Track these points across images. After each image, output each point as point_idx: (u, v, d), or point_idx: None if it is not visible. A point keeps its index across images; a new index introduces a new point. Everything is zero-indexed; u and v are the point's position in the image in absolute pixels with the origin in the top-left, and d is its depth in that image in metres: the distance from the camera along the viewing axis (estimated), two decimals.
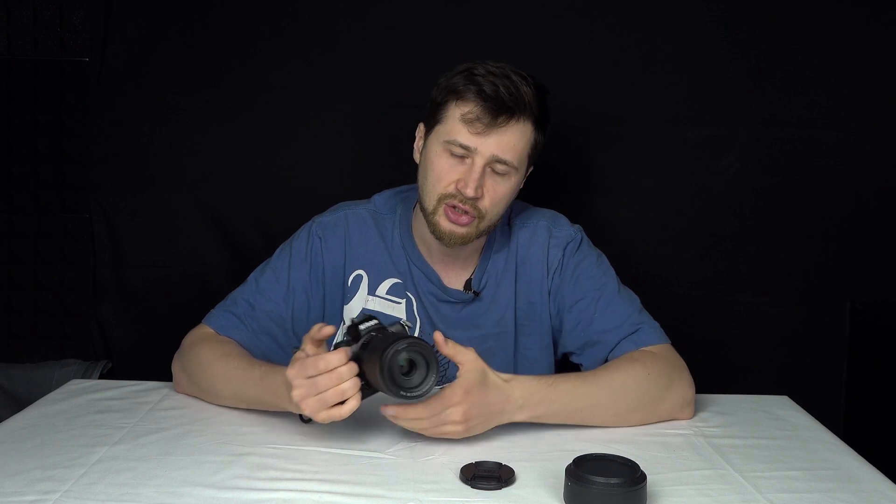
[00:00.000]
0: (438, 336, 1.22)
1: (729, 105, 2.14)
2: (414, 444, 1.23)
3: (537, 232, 1.54)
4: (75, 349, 2.21)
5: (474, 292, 1.52)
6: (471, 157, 1.37)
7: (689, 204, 2.16)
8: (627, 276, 1.56)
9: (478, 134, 1.35)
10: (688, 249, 2.17)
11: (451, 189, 1.38)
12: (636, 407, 1.33)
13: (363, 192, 1.63)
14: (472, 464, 1.13)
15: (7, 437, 1.24)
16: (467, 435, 1.21)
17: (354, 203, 1.58)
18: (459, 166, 1.38)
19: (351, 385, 1.14)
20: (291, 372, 1.15)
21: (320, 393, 1.13)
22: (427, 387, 1.13)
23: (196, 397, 1.42)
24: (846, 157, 2.14)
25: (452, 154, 1.38)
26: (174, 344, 1.49)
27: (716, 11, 2.11)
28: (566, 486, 1.02)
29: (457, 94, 1.37)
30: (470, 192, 1.36)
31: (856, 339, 2.17)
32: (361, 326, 1.18)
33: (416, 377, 1.13)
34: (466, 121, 1.36)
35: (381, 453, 1.20)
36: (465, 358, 1.21)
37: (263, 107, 2.14)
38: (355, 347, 1.17)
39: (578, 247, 1.53)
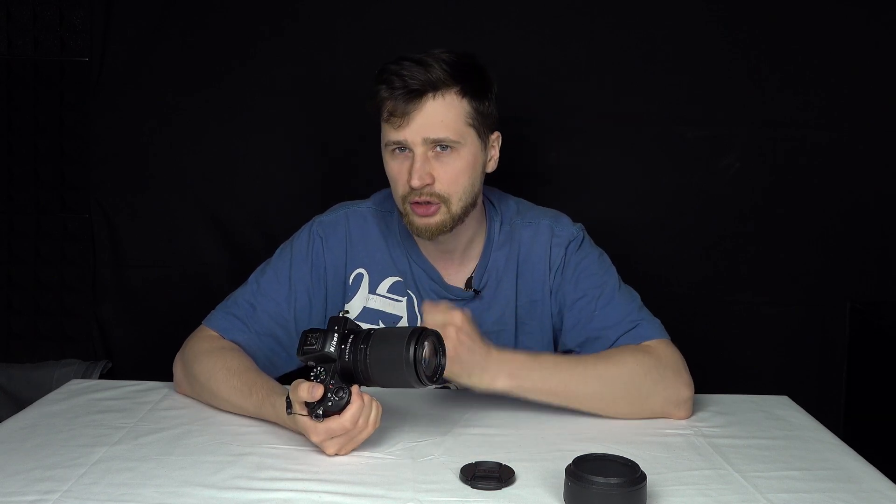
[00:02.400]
0: (427, 304, 1.30)
1: (729, 105, 2.14)
2: (414, 444, 1.23)
3: (540, 230, 1.54)
4: (75, 349, 2.21)
5: (475, 290, 1.52)
6: (409, 149, 1.40)
7: (689, 204, 2.16)
8: (627, 276, 1.56)
9: (400, 127, 1.38)
10: (688, 249, 2.17)
11: (407, 188, 1.41)
12: (623, 396, 1.34)
13: (363, 191, 1.63)
14: (472, 464, 1.13)
15: (7, 437, 1.24)
16: (450, 365, 1.22)
17: (354, 202, 1.59)
18: (406, 163, 1.41)
19: (376, 414, 1.18)
20: (317, 438, 1.17)
21: (355, 438, 1.18)
22: (443, 363, 1.18)
23: (197, 399, 1.42)
24: (846, 157, 2.14)
25: (396, 155, 1.42)
26: (174, 344, 1.49)
27: (716, 11, 2.11)
28: (566, 486, 1.02)
29: (374, 99, 1.41)
30: (415, 181, 1.38)
31: (856, 339, 2.17)
32: (330, 349, 1.17)
33: (433, 360, 1.17)
34: (387, 120, 1.40)
35: (381, 453, 1.20)
36: (458, 316, 1.28)
37: (263, 107, 2.14)
38: (338, 367, 1.17)
39: (580, 245, 1.54)
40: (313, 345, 1.18)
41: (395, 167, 1.43)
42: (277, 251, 1.56)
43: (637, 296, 1.51)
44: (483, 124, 1.44)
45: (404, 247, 1.53)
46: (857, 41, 2.11)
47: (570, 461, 1.04)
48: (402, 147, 1.40)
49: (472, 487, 1.08)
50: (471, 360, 1.27)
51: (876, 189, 2.16)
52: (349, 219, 1.55)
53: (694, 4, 2.12)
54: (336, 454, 1.18)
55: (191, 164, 2.15)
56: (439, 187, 1.40)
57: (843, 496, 1.09)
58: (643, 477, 1.01)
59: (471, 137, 1.42)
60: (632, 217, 2.15)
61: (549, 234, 1.54)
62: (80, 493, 1.05)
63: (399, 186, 1.43)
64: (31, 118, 2.18)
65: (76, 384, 1.52)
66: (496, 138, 1.50)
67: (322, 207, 1.61)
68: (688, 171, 2.16)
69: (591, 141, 2.15)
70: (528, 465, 1.15)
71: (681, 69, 2.12)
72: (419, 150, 1.39)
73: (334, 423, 1.15)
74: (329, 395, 1.16)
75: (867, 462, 1.22)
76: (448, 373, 1.24)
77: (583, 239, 1.55)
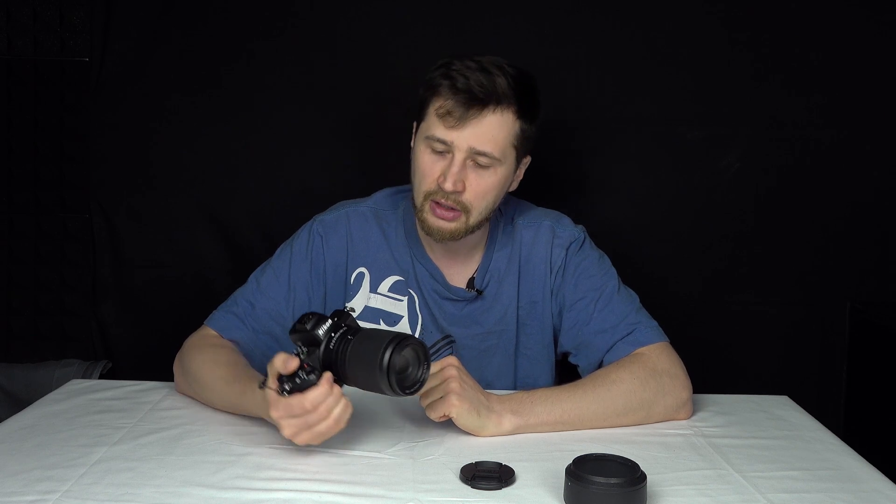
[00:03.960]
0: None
1: (729, 105, 2.14)
2: (414, 444, 1.23)
3: (541, 231, 1.54)
4: (75, 349, 2.21)
5: (477, 291, 1.52)
6: (450, 151, 1.38)
7: (689, 204, 2.16)
8: (627, 275, 1.56)
9: (452, 127, 1.37)
10: (688, 249, 2.17)
11: (434, 186, 1.40)
12: (625, 412, 1.33)
13: (363, 191, 1.63)
14: (472, 464, 1.13)
15: (7, 437, 1.24)
16: (459, 403, 1.22)
17: (355, 201, 1.59)
18: (441, 162, 1.40)
19: (341, 410, 1.15)
20: (276, 413, 1.15)
21: (312, 427, 1.14)
22: (424, 377, 1.16)
23: (195, 399, 1.42)
24: (846, 157, 2.14)
25: (434, 150, 1.40)
26: (174, 344, 1.49)
27: (716, 11, 2.11)
28: (566, 486, 1.02)
29: (432, 90, 1.39)
30: (449, 185, 1.37)
31: (856, 339, 2.17)
32: (319, 332, 1.16)
33: (414, 371, 1.14)
34: (440, 115, 1.37)
35: (381, 453, 1.20)
36: (450, 356, 1.29)
37: (263, 107, 2.14)
38: (320, 353, 1.16)
39: (581, 247, 1.54)
40: (305, 324, 1.16)
41: (428, 161, 1.41)
42: (278, 250, 1.56)
43: (636, 298, 1.51)
44: (523, 147, 1.44)
45: (408, 245, 1.53)
46: (857, 41, 2.11)
47: (570, 461, 1.04)
48: (443, 144, 1.39)
49: (472, 487, 1.08)
50: (476, 397, 1.26)
51: (876, 189, 2.16)
52: (350, 218, 1.55)
53: (694, 4, 2.12)
54: (293, 440, 1.15)
55: (191, 164, 2.15)
56: (466, 197, 1.40)
57: (843, 496, 1.09)
58: (643, 477, 1.01)
59: (510, 158, 1.42)
60: (632, 217, 2.15)
61: (551, 235, 1.54)
62: (80, 493, 1.05)
63: (426, 182, 1.41)
64: (31, 118, 2.18)
65: (76, 384, 1.52)
66: (526, 161, 1.50)
67: (322, 207, 1.61)
68: (688, 171, 2.16)
69: (591, 141, 2.15)
70: (528, 465, 1.15)
71: (681, 69, 2.12)
72: (460, 156, 1.38)
73: (294, 399, 1.13)
74: (299, 373, 1.14)
75: (867, 462, 1.22)
76: (457, 413, 1.23)
77: (584, 240, 1.55)
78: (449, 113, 1.36)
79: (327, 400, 1.13)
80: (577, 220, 1.58)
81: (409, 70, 2.08)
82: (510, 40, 2.10)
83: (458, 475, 1.11)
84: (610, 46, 2.13)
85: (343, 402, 1.15)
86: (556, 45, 2.12)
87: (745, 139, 2.14)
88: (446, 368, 1.25)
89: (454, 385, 1.24)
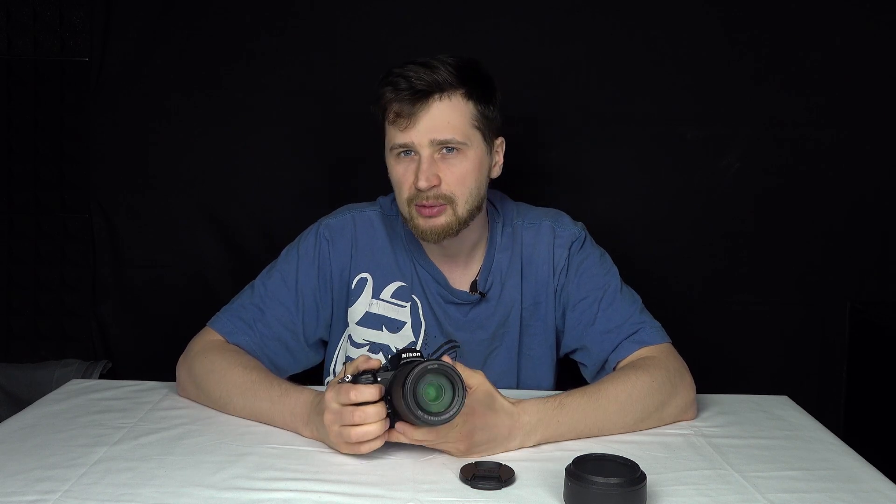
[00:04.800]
0: (447, 360, 1.16)
1: (729, 105, 2.13)
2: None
3: (541, 232, 1.54)
4: (75, 349, 2.21)
5: (481, 293, 1.52)
6: (414, 151, 1.40)
7: (689, 204, 2.16)
8: (628, 276, 1.57)
9: (406, 128, 1.38)
10: (687, 249, 2.17)
11: (412, 190, 1.41)
12: (643, 417, 1.32)
13: (363, 191, 1.62)
14: (471, 464, 1.13)
15: (7, 437, 1.24)
16: (469, 455, 1.17)
17: (360, 205, 1.59)
18: (411, 165, 1.41)
19: (374, 429, 1.13)
20: (329, 395, 1.16)
21: (344, 426, 1.14)
22: (455, 409, 1.09)
23: (200, 404, 1.40)
24: (846, 157, 2.14)
25: (401, 158, 1.42)
26: (174, 344, 1.49)
27: (716, 11, 2.11)
28: (566, 486, 1.02)
29: (380, 103, 1.41)
30: (422, 182, 1.38)
31: (856, 339, 2.17)
32: (403, 356, 1.13)
33: (444, 400, 1.10)
34: (392, 122, 1.40)
35: (381, 453, 1.19)
36: (474, 381, 1.18)
37: (263, 107, 2.13)
38: (389, 377, 1.15)
39: (582, 245, 1.54)
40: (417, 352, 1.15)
41: (400, 170, 1.42)
42: (283, 253, 1.55)
43: (638, 298, 1.52)
44: (488, 128, 1.44)
45: (409, 251, 1.53)
46: (857, 41, 2.11)
47: (570, 461, 1.04)
48: (408, 150, 1.40)
49: (472, 487, 1.08)
50: (490, 435, 1.19)
51: (876, 189, 2.16)
52: (356, 222, 1.55)
53: (694, 4, 2.11)
54: (328, 431, 1.16)
55: (191, 164, 2.15)
56: (445, 189, 1.40)
57: (843, 496, 1.10)
58: (643, 477, 1.01)
59: (476, 140, 1.42)
60: (632, 217, 2.15)
61: (552, 236, 1.54)
62: (80, 493, 1.05)
63: (404, 190, 1.42)
64: (31, 118, 2.17)
65: (76, 384, 1.52)
66: (500, 143, 1.50)
67: (322, 208, 1.61)
68: (688, 171, 2.16)
69: (591, 141, 2.15)
70: (528, 465, 1.15)
71: (681, 69, 2.12)
72: (426, 152, 1.39)
73: (346, 385, 1.13)
74: (368, 374, 1.15)
75: (867, 462, 1.22)
76: (479, 455, 1.18)
77: (584, 238, 1.55)
78: (398, 115, 1.38)
79: (368, 407, 1.12)
80: (577, 220, 1.59)
81: None
82: (510, 40, 2.10)
83: (458, 475, 1.11)
84: (610, 46, 2.12)
85: (379, 424, 1.13)
86: (556, 45, 2.12)
87: (745, 139, 2.14)
88: (453, 432, 1.16)
89: (460, 448, 1.17)
